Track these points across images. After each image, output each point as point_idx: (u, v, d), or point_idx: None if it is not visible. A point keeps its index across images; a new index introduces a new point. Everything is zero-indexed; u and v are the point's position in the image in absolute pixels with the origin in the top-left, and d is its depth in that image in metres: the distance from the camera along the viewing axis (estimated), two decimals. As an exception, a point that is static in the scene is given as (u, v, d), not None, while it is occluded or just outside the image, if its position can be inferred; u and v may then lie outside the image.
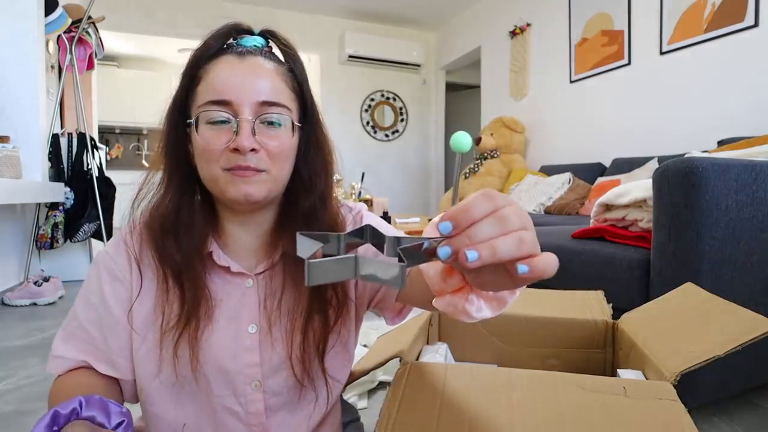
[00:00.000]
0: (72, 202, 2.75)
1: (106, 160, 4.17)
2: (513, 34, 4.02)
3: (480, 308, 0.36)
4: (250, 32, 0.60)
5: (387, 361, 0.69)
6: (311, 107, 0.61)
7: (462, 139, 0.33)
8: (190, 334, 0.57)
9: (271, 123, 0.55)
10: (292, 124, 0.57)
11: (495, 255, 0.27)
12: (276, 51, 0.61)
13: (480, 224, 0.28)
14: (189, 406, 0.60)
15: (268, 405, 0.61)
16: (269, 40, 0.61)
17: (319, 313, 0.60)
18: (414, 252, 0.30)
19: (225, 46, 0.58)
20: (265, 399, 0.60)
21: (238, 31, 0.59)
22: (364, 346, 1.55)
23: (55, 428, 0.43)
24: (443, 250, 0.28)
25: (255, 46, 0.58)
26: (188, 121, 0.56)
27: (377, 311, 0.69)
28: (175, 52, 5.38)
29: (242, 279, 0.61)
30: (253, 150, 0.53)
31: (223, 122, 0.53)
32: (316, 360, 0.61)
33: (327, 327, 0.61)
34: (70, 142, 2.79)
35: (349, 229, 0.62)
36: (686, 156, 1.13)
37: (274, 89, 0.55)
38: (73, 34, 2.84)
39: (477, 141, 3.90)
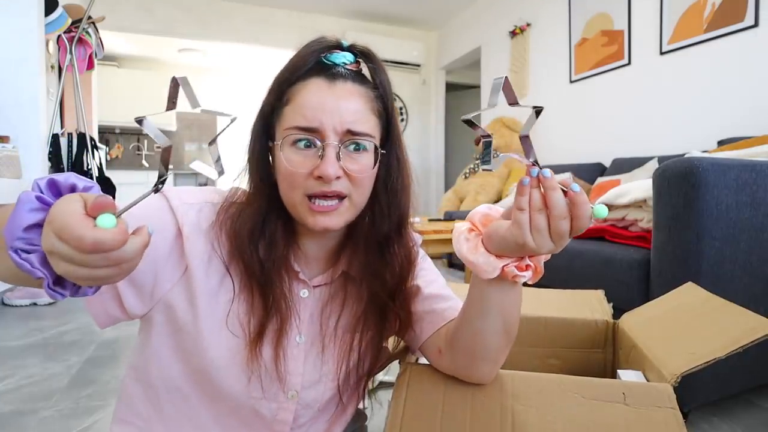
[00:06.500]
0: (72, 202, 2.74)
1: (106, 160, 4.17)
2: (513, 34, 4.01)
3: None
4: (339, 47, 0.58)
5: (388, 363, 0.69)
6: (393, 129, 0.61)
7: (601, 211, 0.43)
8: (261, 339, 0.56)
9: (356, 148, 0.55)
10: (375, 149, 0.57)
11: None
12: (364, 70, 0.60)
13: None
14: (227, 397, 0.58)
15: (297, 415, 0.60)
16: (357, 58, 0.59)
17: (376, 334, 0.61)
18: None
19: (315, 63, 0.57)
20: (296, 410, 0.60)
21: (328, 46, 0.58)
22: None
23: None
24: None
25: (344, 63, 0.57)
26: (274, 142, 0.56)
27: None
28: (175, 52, 5.37)
29: (301, 287, 0.61)
30: (337, 177, 0.53)
31: (308, 146, 0.53)
32: (362, 380, 0.62)
33: (380, 349, 0.63)
34: (70, 142, 2.78)
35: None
36: (686, 156, 1.13)
37: (360, 118, 0.55)
38: (73, 34, 2.83)
39: (477, 141, 3.90)
